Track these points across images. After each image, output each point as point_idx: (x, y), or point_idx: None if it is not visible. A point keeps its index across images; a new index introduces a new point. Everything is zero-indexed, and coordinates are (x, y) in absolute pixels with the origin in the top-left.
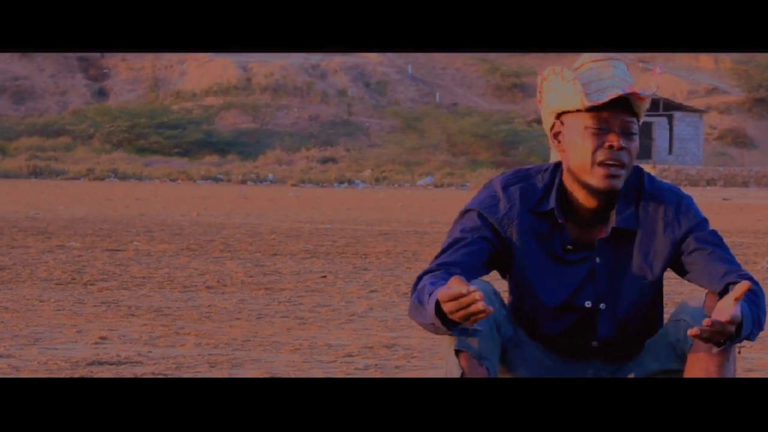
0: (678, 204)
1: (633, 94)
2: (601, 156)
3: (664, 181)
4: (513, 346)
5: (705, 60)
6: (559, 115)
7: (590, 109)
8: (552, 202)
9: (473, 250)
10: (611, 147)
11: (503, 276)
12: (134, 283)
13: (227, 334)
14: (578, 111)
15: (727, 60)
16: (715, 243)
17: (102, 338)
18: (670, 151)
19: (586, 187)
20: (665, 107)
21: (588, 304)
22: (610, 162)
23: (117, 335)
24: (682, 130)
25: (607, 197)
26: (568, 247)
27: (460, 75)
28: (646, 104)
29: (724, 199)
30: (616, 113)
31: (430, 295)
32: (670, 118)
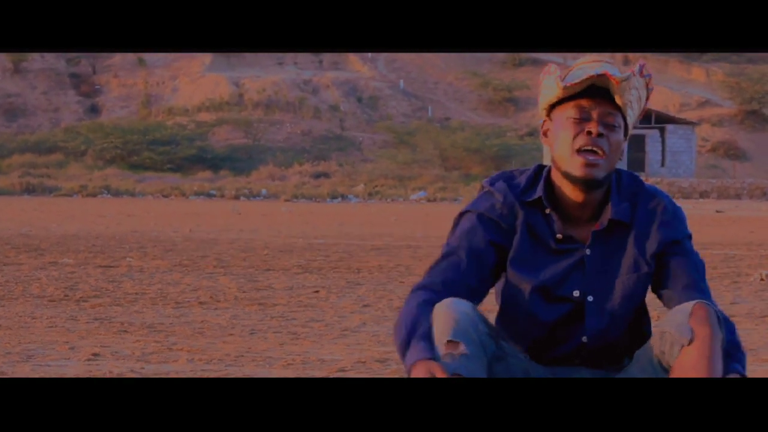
0: (675, 210)
1: (605, 74)
2: (579, 142)
3: None
4: (496, 360)
5: (697, 72)
6: (549, 112)
7: (570, 98)
8: (539, 191)
9: (467, 263)
10: (589, 133)
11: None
12: (127, 299)
13: (220, 350)
14: (562, 103)
15: (719, 72)
16: (694, 267)
17: (95, 355)
18: (663, 164)
19: (567, 176)
20: (657, 120)
21: (576, 293)
22: (588, 148)
23: (110, 352)
24: (674, 143)
25: (587, 187)
26: (558, 236)
27: (452, 89)
28: (632, 100)
29: (717, 211)
30: (597, 103)
31: (409, 341)
32: (662, 131)
